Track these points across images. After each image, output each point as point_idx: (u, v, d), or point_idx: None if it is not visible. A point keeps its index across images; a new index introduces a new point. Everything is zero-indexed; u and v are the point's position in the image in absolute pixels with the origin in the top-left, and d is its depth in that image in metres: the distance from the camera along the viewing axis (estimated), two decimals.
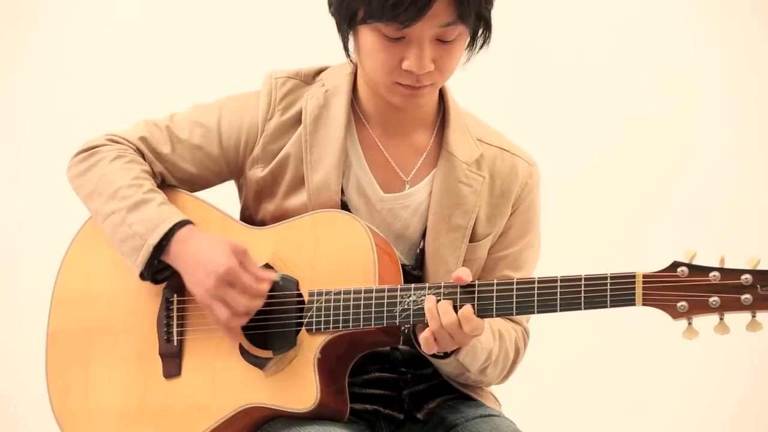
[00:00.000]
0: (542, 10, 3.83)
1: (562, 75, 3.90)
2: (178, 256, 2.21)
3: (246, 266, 2.17)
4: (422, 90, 2.19)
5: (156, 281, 2.26)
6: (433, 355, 2.18)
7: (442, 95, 2.33)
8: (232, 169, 2.34)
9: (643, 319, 3.28)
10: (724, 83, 3.89)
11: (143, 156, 2.33)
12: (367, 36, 2.16)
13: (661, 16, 3.90)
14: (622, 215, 3.89)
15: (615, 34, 3.90)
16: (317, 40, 3.17)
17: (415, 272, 2.29)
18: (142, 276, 2.24)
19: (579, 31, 3.91)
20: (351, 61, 2.26)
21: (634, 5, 3.92)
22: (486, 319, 2.16)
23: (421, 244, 2.30)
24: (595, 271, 2.03)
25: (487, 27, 2.20)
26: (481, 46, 2.22)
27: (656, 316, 2.10)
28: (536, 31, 3.83)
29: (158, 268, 2.24)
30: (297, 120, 2.30)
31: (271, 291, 2.20)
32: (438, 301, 2.09)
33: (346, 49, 2.23)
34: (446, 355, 2.17)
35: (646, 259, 2.16)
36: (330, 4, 2.22)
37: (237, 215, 2.36)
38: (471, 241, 2.30)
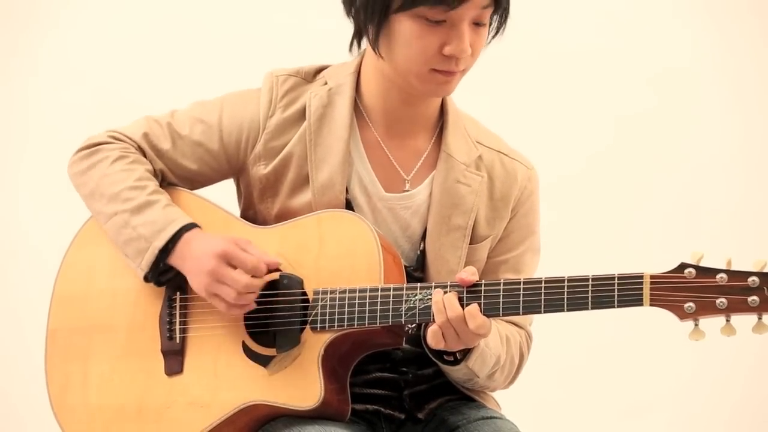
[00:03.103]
0: (537, 5, 3.83)
1: (558, 71, 3.90)
2: (183, 259, 2.21)
3: (248, 251, 2.17)
4: (456, 75, 2.20)
5: (159, 283, 2.26)
6: (443, 361, 2.18)
7: (442, 99, 2.33)
8: (232, 165, 2.33)
9: (642, 322, 3.30)
10: (721, 80, 3.90)
11: (144, 153, 2.32)
12: (405, 24, 2.15)
13: (658, 12, 3.91)
14: (617, 214, 3.90)
15: (611, 31, 3.91)
16: (317, 39, 3.19)
17: (416, 273, 2.29)
18: (146, 278, 2.24)
19: (574, 28, 3.91)
20: (381, 56, 2.22)
21: (631, 1, 3.93)
22: (494, 325, 2.17)
23: (422, 245, 2.30)
24: (590, 270, 2.04)
25: (506, 12, 2.21)
26: (496, 33, 2.23)
27: (655, 319, 2.10)
28: (531, 26, 3.81)
29: (162, 270, 2.24)
30: (299, 117, 2.30)
31: (275, 290, 2.20)
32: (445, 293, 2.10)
33: (374, 44, 2.20)
34: (456, 361, 2.17)
35: (644, 257, 2.17)
36: (352, 2, 2.20)
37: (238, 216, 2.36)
38: (471, 242, 2.30)
